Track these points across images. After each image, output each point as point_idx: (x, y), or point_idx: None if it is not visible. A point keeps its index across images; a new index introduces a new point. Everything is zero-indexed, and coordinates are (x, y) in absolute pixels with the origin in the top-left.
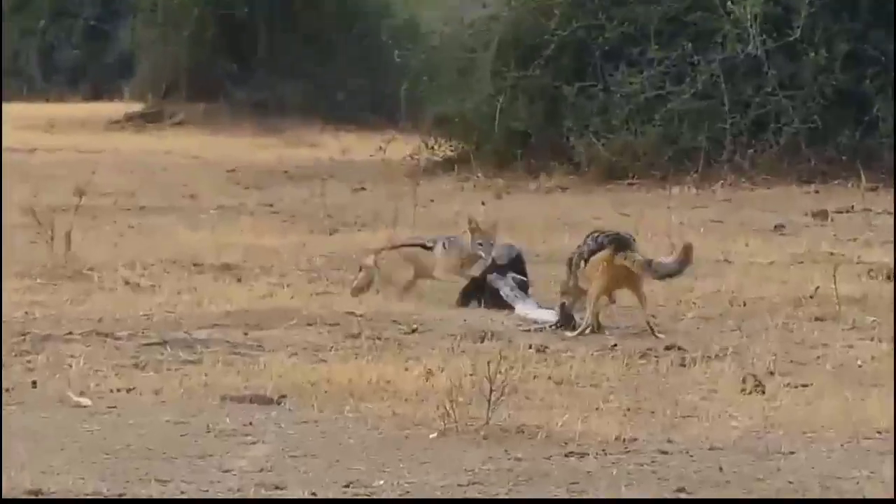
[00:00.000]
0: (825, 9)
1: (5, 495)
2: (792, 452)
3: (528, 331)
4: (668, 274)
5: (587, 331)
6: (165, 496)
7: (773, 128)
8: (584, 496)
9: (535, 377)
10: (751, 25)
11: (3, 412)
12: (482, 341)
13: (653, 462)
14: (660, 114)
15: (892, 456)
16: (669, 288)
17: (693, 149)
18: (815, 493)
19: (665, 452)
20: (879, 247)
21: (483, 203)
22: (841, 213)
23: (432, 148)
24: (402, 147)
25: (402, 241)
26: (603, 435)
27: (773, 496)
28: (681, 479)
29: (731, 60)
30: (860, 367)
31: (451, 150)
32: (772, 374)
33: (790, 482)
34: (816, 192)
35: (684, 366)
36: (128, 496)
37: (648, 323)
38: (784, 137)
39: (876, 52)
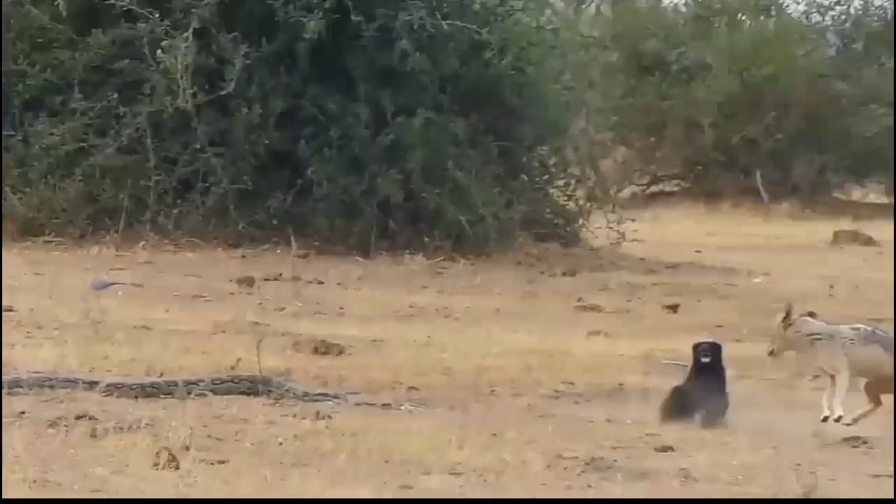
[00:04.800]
0: (261, 62)
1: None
2: None
3: None
4: None
5: None
6: None
7: (200, 187)
8: None
9: None
10: (181, 77)
11: None
12: None
13: None
14: (81, 168)
15: None
16: (84, 352)
17: (115, 207)
18: None
19: None
20: (308, 318)
21: None
22: (269, 280)
23: None
24: None
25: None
26: None
27: None
28: None
29: (159, 114)
30: (280, 444)
31: None
32: (187, 448)
33: None
34: (243, 257)
35: (95, 437)
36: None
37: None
38: (212, 198)
39: (313, 110)
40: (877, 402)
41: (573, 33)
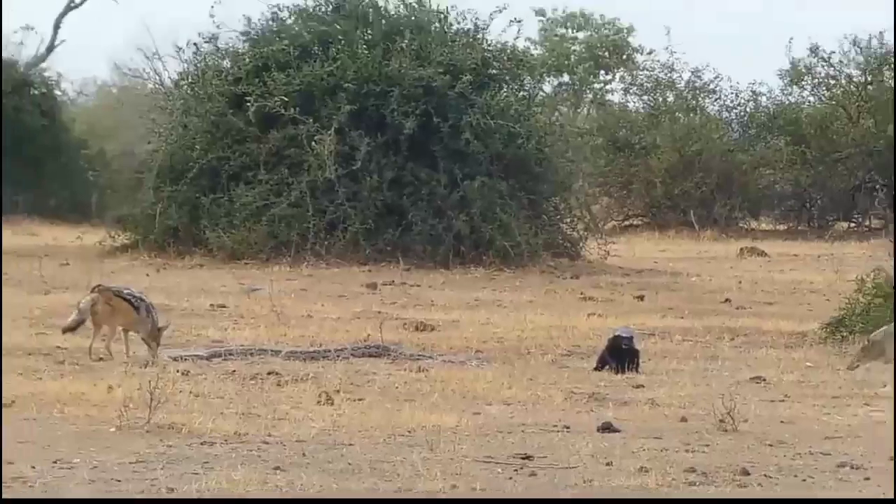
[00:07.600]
0: (377, 148)
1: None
2: (351, 444)
3: (177, 360)
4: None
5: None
6: None
7: (341, 228)
8: (211, 471)
9: (180, 391)
10: (328, 158)
11: None
12: (146, 367)
13: (259, 449)
14: (266, 217)
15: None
16: (271, 332)
17: (287, 241)
18: (366, 472)
19: (266, 443)
20: (411, 308)
21: (147, 275)
22: (386, 285)
23: (113, 237)
24: (93, 236)
25: (115, 293)
26: (225, 431)
27: (342, 469)
28: (277, 461)
29: (314, 182)
30: (397, 388)
31: (127, 240)
32: (338, 391)
33: (349, 463)
34: (370, 271)
35: (280, 385)
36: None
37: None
38: (349, 234)
39: (411, 178)
40: None
41: (572, 126)
